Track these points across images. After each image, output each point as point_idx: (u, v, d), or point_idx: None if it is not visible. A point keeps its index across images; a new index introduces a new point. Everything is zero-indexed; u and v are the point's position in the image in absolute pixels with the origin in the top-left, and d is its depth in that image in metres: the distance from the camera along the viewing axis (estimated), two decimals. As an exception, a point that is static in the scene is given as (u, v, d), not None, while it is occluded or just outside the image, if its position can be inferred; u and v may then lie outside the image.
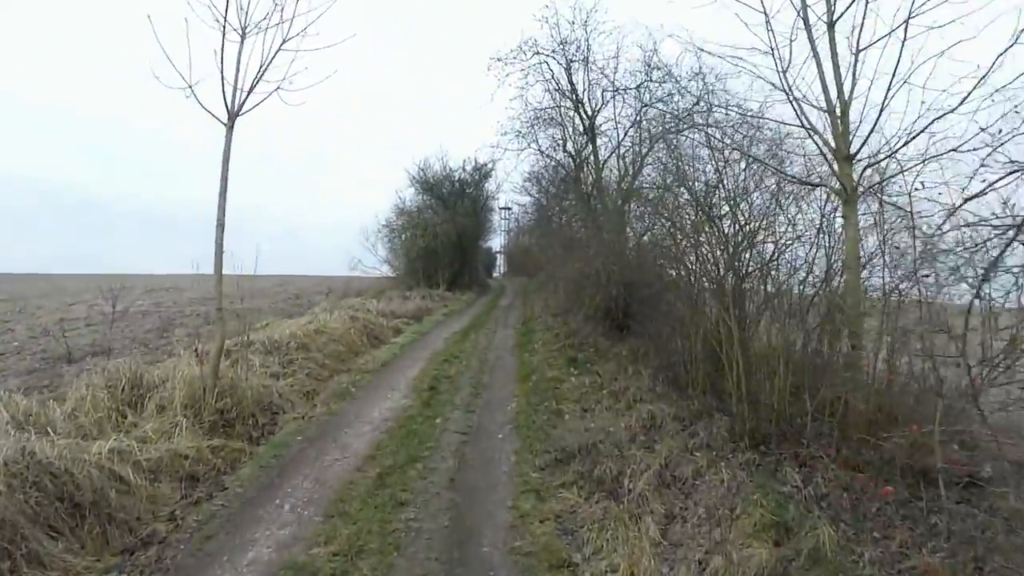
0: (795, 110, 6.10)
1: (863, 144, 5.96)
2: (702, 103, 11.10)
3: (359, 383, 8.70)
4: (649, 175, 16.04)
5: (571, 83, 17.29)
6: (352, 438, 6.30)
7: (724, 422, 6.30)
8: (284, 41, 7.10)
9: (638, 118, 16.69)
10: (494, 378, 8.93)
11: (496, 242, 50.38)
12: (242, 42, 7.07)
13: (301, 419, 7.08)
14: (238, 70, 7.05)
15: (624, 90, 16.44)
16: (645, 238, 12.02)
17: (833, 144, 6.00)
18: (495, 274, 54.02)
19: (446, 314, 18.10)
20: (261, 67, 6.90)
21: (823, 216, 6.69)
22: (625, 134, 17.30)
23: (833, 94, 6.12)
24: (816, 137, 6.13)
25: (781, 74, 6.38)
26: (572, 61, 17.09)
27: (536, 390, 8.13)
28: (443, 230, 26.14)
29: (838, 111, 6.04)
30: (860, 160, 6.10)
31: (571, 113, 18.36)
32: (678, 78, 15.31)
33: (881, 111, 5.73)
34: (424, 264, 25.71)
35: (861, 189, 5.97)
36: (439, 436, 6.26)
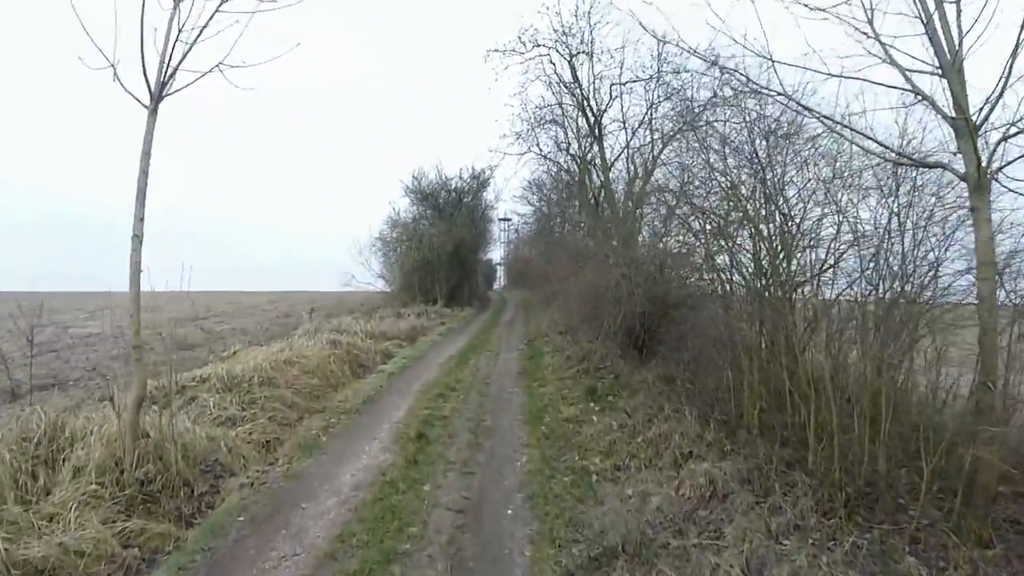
0: (900, 70, 4.51)
1: (991, 111, 4.38)
2: (734, 79, 9.54)
3: (332, 429, 7.07)
4: (663, 176, 14.60)
5: (575, 78, 15.80)
6: (310, 520, 4.66)
7: (805, 483, 4.74)
8: (222, 1, 5.57)
9: (649, 115, 15.23)
10: (498, 419, 7.27)
11: (496, 254, 48.86)
12: (175, 8, 5.55)
13: (251, 486, 5.45)
14: (167, 41, 5.52)
15: (634, 82, 14.93)
16: (664, 243, 10.50)
17: (952, 112, 4.41)
18: (495, 286, 52.61)
19: (443, 333, 16.48)
20: (180, 31, 5.35)
21: (895, 211, 5.26)
22: (633, 133, 15.83)
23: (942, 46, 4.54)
24: (927, 102, 4.54)
25: (869, 24, 4.81)
26: (575, 54, 15.60)
27: (551, 436, 6.50)
28: (440, 242, 24.62)
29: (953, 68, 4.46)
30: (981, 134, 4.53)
31: (574, 112, 16.89)
32: (692, 71, 13.86)
33: (1010, 71, 4.14)
34: (420, 278, 24.19)
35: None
36: (426, 515, 4.60)
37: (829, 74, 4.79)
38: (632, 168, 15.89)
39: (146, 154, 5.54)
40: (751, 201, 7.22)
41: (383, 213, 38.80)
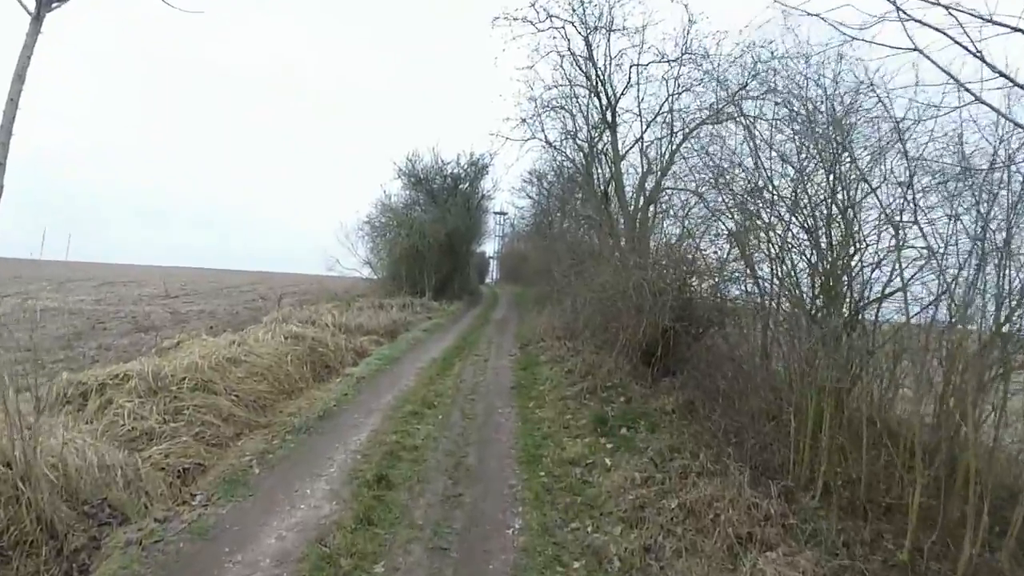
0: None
1: None
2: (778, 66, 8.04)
3: (272, 456, 5.52)
4: (684, 171, 13.13)
5: (591, 56, 14.21)
6: (200, 620, 3.15)
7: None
8: None
9: (669, 103, 13.70)
10: (484, 455, 5.71)
11: (489, 247, 47.23)
12: None
13: (139, 544, 3.92)
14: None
15: (658, 62, 13.38)
16: (687, 246, 9.04)
17: None
18: (487, 280, 51.13)
19: (428, 330, 14.89)
20: None
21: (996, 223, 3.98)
22: (648, 125, 14.28)
23: None
24: None
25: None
26: (593, 29, 14.00)
27: (554, 488, 4.95)
28: (432, 229, 22.97)
29: None
30: None
31: (586, 95, 15.31)
32: (717, 59, 12.38)
33: None
34: (408, 267, 22.56)
35: None
36: (372, 626, 3.10)
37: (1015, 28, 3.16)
38: (645, 162, 14.33)
39: (19, 78, 3.98)
40: (806, 195, 5.90)
41: (374, 196, 37.17)
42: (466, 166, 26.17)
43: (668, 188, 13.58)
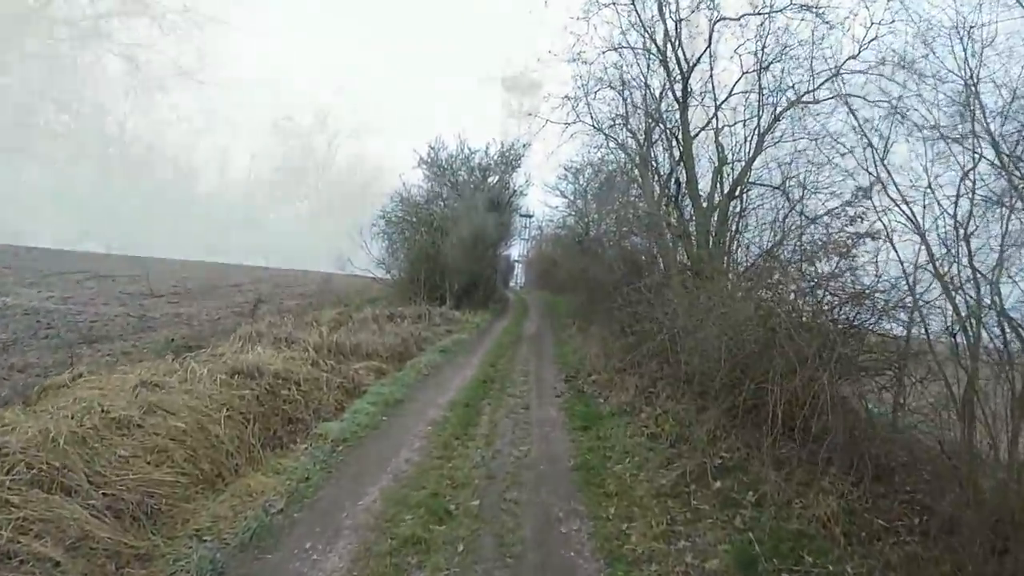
0: None
1: None
2: None
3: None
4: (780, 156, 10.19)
5: (660, 10, 11.25)
6: None
7: None
8: None
9: (758, 75, 10.71)
10: None
11: (514, 250, 44.13)
12: None
13: None
14: None
15: (754, 15, 10.42)
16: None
17: None
18: (512, 284, 48.24)
19: (447, 350, 11.90)
20: None
21: None
22: (718, 106, 11.30)
23: None
24: None
25: None
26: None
27: None
28: (455, 228, 20.05)
29: None
30: None
31: (645, 70, 12.34)
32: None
33: None
34: (428, 270, 19.60)
35: None
36: None
37: None
38: (719, 151, 11.37)
39: None
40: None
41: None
42: (496, 157, 23.26)
43: (755, 183, 10.72)
